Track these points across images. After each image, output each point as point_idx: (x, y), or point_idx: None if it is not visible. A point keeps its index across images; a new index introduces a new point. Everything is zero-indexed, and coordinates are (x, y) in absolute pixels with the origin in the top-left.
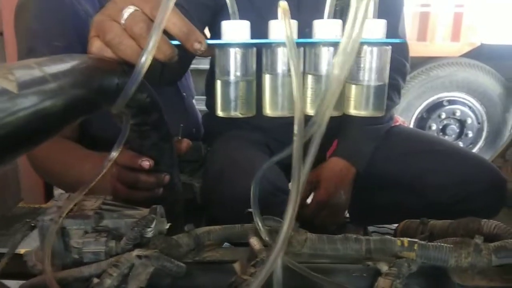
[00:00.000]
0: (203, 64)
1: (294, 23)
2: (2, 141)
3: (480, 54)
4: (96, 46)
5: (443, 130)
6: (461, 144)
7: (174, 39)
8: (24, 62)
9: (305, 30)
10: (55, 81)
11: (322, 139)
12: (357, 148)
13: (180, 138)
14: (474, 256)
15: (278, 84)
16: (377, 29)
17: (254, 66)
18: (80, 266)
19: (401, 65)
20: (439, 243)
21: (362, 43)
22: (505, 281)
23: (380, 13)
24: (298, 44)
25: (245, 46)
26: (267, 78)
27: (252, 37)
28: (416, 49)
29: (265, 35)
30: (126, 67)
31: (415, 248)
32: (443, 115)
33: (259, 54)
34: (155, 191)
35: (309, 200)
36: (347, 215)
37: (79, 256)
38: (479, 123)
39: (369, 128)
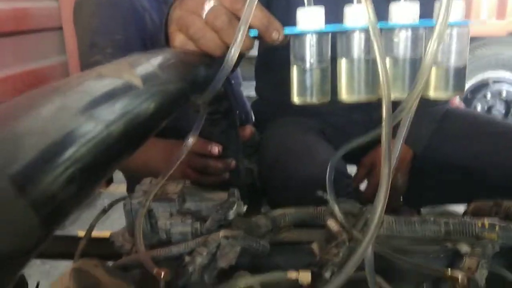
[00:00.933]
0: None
1: (321, 9)
2: (132, 134)
3: None
4: (179, 40)
5: (489, 110)
6: None
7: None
8: (134, 58)
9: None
10: (163, 75)
11: (380, 119)
12: (415, 130)
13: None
14: None
15: (354, 69)
16: (457, 10)
17: (329, 52)
18: (168, 245)
19: None
20: None
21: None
22: None
23: None
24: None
25: (321, 33)
26: (343, 63)
27: (326, 23)
28: None
29: (337, 18)
30: (208, 59)
31: (497, 229)
32: (489, 95)
33: (333, 38)
34: (222, 176)
35: (362, 187)
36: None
37: (166, 236)
38: None
39: (426, 110)
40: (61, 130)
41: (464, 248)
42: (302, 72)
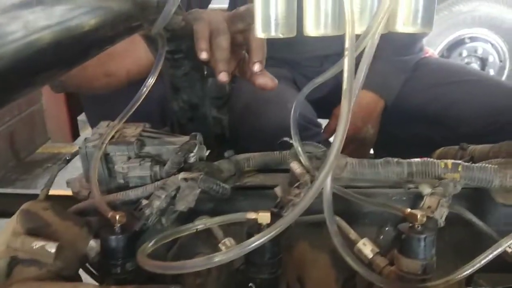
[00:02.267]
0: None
1: None
2: (65, 47)
3: None
4: None
5: None
6: None
7: None
8: None
9: None
10: None
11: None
12: (386, 80)
13: (206, 73)
14: None
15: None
16: None
17: None
18: (126, 190)
19: None
20: (483, 164)
21: None
22: None
23: None
24: None
25: None
26: None
27: None
28: None
29: None
30: None
31: (459, 169)
32: (465, 53)
33: None
34: None
35: (331, 138)
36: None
37: (124, 180)
38: (501, 61)
39: (398, 59)
40: None
41: (426, 189)
42: (265, 2)
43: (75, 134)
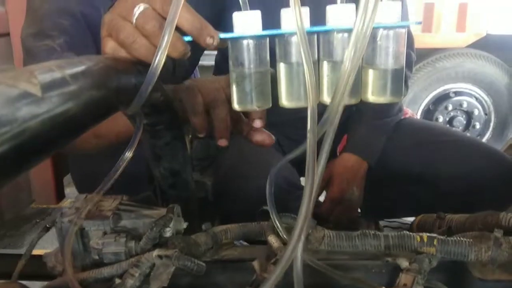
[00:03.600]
0: (207, 60)
1: (306, 10)
2: (27, 145)
3: (486, 45)
4: (109, 46)
5: (450, 122)
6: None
7: (185, 34)
8: (44, 65)
9: (319, 16)
10: (75, 83)
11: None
12: (368, 143)
13: (190, 136)
14: (494, 250)
15: (293, 73)
16: (392, 11)
17: (268, 57)
18: (100, 266)
19: (408, 55)
20: (458, 238)
21: (375, 28)
22: None
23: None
24: (311, 32)
25: (258, 38)
26: (281, 67)
27: (263, 28)
28: (421, 40)
29: (276, 24)
30: (141, 66)
31: (435, 243)
32: (450, 107)
33: (272, 43)
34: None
35: (322, 198)
36: (359, 210)
37: (99, 257)
38: (486, 114)
39: (379, 122)
40: None
41: (404, 263)
42: (240, 77)
43: (60, 196)
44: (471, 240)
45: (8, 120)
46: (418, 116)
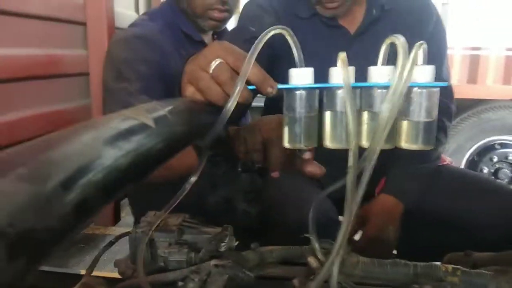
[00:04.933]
0: (257, 101)
1: (352, 69)
2: (143, 166)
3: None
4: (189, 91)
5: (495, 173)
6: None
7: (251, 84)
8: (149, 104)
9: (363, 71)
10: (172, 119)
11: (371, 176)
12: (404, 186)
13: (240, 170)
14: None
15: (337, 120)
16: (426, 73)
17: (317, 104)
18: (165, 272)
19: (446, 107)
20: (481, 270)
21: (411, 86)
22: None
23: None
24: (355, 87)
25: (309, 89)
26: (327, 115)
27: (316, 80)
28: (466, 91)
29: (325, 78)
30: (213, 108)
31: (458, 273)
32: (495, 159)
33: (320, 94)
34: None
35: (357, 237)
36: (395, 251)
37: (164, 264)
38: None
39: (416, 167)
40: (93, 154)
41: None
42: (292, 120)
43: (116, 218)
44: (493, 273)
45: (130, 143)
46: (463, 166)
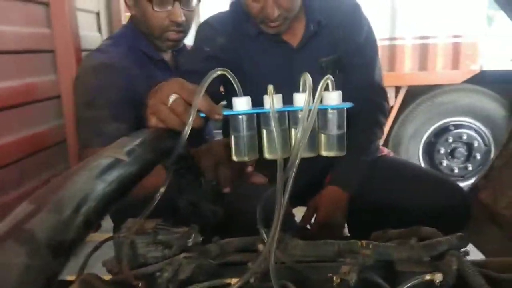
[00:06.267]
0: None
1: (279, 96)
2: (123, 190)
3: (482, 80)
4: (153, 121)
5: (452, 153)
6: (470, 166)
7: (202, 112)
8: (120, 141)
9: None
10: (140, 150)
11: (321, 169)
12: (348, 177)
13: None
14: (409, 251)
15: (270, 137)
16: (334, 98)
17: (255, 124)
18: (145, 267)
19: (381, 106)
20: (387, 243)
21: (324, 108)
22: (433, 267)
23: (356, 67)
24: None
25: (248, 114)
26: (264, 132)
27: (253, 104)
28: (418, 78)
29: (261, 103)
30: (173, 133)
31: (370, 247)
32: (451, 139)
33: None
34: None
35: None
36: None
37: (144, 260)
38: (486, 145)
39: (357, 159)
40: (88, 189)
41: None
42: (236, 139)
43: (98, 226)
44: (395, 244)
45: (111, 176)
46: (421, 148)
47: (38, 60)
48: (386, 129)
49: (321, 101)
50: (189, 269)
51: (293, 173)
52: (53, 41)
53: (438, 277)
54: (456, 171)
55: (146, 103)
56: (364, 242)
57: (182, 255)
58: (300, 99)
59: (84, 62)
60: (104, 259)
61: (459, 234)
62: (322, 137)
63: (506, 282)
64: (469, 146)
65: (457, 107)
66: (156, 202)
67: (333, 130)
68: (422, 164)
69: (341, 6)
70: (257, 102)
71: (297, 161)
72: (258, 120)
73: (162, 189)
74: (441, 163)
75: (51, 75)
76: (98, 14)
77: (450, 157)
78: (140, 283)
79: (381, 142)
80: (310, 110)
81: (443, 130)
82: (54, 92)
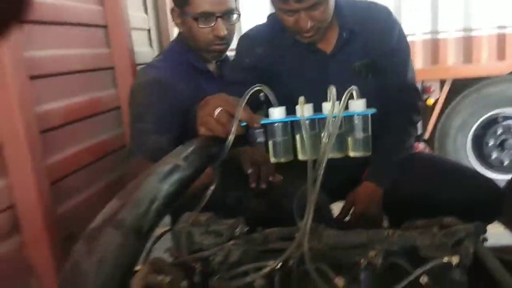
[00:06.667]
0: None
1: (310, 106)
2: (182, 189)
3: None
4: (202, 131)
5: (501, 144)
6: None
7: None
8: (177, 149)
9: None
10: (193, 156)
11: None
12: (382, 173)
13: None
14: (431, 238)
15: (302, 141)
16: (359, 105)
17: (289, 130)
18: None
19: (414, 105)
20: (411, 232)
21: (345, 116)
22: (452, 252)
23: (389, 70)
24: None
25: (283, 122)
26: (297, 137)
27: (290, 111)
28: (463, 70)
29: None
30: (219, 140)
31: (396, 235)
32: (500, 131)
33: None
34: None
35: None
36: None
37: (199, 247)
38: None
39: (392, 157)
40: (155, 190)
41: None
42: (274, 143)
43: None
44: (418, 233)
45: (172, 178)
46: (469, 140)
47: (101, 76)
48: (432, 122)
49: (347, 108)
50: (237, 254)
51: (322, 171)
52: (112, 58)
53: (455, 259)
54: (506, 163)
55: (196, 114)
56: (391, 230)
57: (231, 242)
58: (326, 108)
59: (137, 77)
60: (162, 249)
61: (477, 222)
62: (349, 140)
63: None
64: None
65: (504, 98)
66: (207, 198)
67: (358, 134)
68: (471, 158)
69: (371, 11)
70: (293, 108)
71: (325, 161)
72: (292, 126)
73: (212, 187)
74: (490, 156)
75: (112, 89)
76: (149, 31)
77: (499, 149)
78: (197, 265)
79: (426, 135)
80: (335, 117)
81: (492, 122)
82: (114, 104)
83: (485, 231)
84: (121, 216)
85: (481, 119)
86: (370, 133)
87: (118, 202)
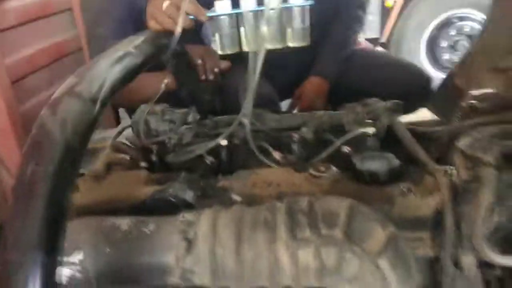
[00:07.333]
0: None
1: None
2: (130, 76)
3: None
4: (151, 24)
5: (454, 46)
6: None
7: (191, 15)
8: (129, 38)
9: None
10: (145, 44)
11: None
12: (327, 67)
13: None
14: (355, 115)
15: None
16: None
17: (235, 24)
18: (153, 137)
19: (359, 2)
20: (340, 111)
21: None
22: (371, 124)
23: None
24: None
25: (228, 15)
26: (242, 30)
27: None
28: None
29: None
30: (168, 33)
31: (326, 115)
32: (453, 32)
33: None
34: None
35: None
36: None
37: (155, 133)
38: None
39: (336, 53)
40: (107, 71)
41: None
42: (221, 36)
43: (117, 122)
44: (345, 112)
45: (124, 62)
46: (424, 41)
47: None
48: (389, 26)
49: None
50: (189, 136)
51: (262, 56)
52: None
53: (371, 130)
54: None
55: (145, 10)
56: (323, 112)
57: (184, 127)
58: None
59: None
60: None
61: (395, 101)
62: (288, 30)
63: (427, 134)
64: (472, 39)
65: None
66: (161, 92)
67: (297, 24)
68: (423, 59)
69: None
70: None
71: (263, 49)
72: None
73: (166, 80)
74: (442, 57)
75: None
76: None
77: (452, 50)
78: (154, 147)
79: (384, 38)
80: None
81: (447, 23)
82: (66, 5)
83: (401, 109)
84: (78, 88)
85: (436, 21)
86: (308, 24)
87: (75, 79)
